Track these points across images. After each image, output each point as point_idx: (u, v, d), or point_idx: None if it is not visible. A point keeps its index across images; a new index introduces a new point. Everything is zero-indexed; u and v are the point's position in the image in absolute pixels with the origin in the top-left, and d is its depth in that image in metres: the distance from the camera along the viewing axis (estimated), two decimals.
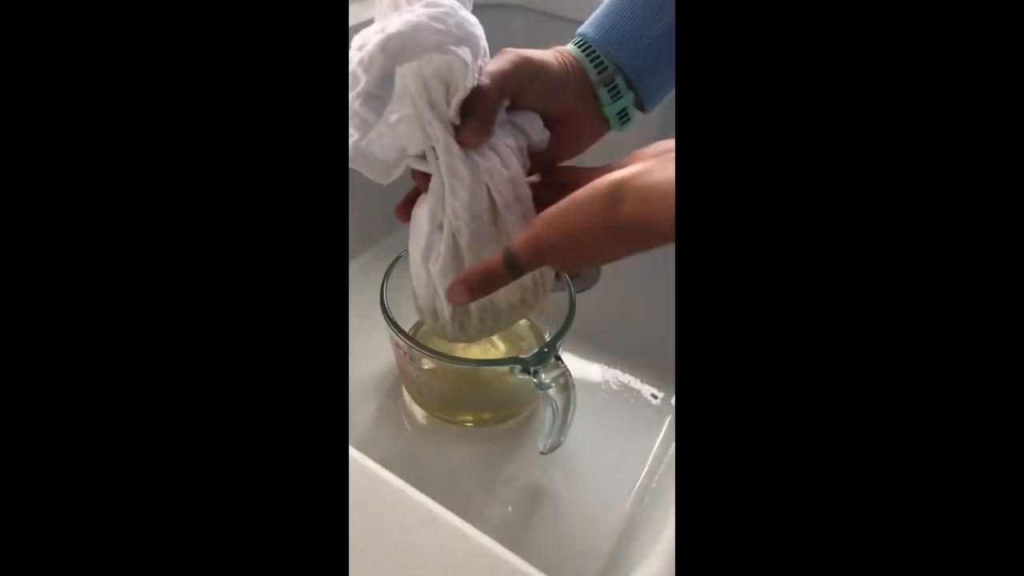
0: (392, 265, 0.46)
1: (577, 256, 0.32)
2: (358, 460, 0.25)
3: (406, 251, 0.47)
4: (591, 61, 0.39)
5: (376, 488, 0.24)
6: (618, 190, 0.28)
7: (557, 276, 0.43)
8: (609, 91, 0.40)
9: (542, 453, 0.44)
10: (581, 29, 0.41)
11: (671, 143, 0.31)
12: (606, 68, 0.39)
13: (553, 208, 0.31)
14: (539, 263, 0.34)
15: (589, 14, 0.62)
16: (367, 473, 0.24)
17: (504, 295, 0.39)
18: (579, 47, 0.40)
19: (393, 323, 0.42)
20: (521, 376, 0.41)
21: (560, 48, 0.40)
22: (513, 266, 0.34)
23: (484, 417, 0.49)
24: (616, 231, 0.29)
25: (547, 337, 0.50)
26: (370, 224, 0.64)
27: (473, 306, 0.38)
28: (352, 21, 0.54)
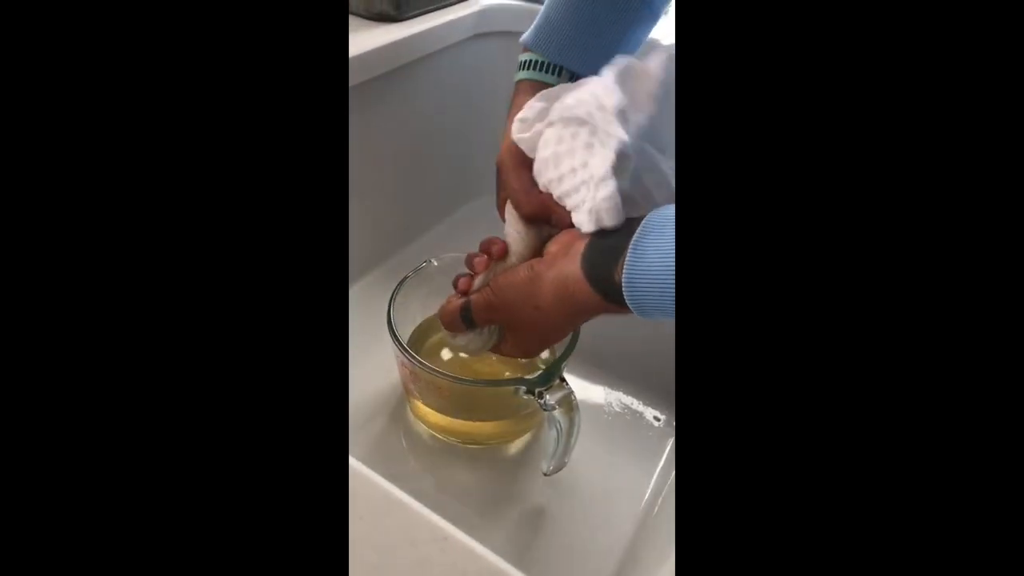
0: (399, 285, 0.47)
1: (522, 324, 0.39)
2: (371, 479, 0.25)
3: (411, 272, 0.48)
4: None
5: (389, 507, 0.24)
6: (537, 279, 0.36)
7: None
8: None
9: (546, 474, 0.44)
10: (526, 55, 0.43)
11: (569, 236, 0.37)
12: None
13: (503, 278, 0.38)
14: (487, 322, 0.40)
15: None
16: (381, 492, 0.24)
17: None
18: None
19: (399, 342, 0.43)
20: (526, 396, 0.41)
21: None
22: (467, 319, 0.40)
23: (488, 437, 0.49)
24: (541, 310, 0.36)
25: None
26: (376, 245, 0.64)
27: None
28: (384, 40, 0.55)
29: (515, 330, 0.39)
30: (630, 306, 0.31)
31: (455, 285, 0.42)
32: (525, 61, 0.42)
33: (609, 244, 0.33)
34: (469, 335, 0.41)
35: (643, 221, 0.31)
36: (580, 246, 0.34)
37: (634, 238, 0.30)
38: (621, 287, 0.30)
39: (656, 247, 0.30)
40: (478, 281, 0.40)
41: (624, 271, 0.30)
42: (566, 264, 0.35)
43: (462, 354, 0.43)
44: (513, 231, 0.40)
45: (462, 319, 0.40)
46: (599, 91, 0.34)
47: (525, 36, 0.43)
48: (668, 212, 0.31)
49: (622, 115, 0.33)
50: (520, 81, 0.43)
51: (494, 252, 0.40)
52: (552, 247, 0.37)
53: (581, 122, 0.35)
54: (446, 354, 0.50)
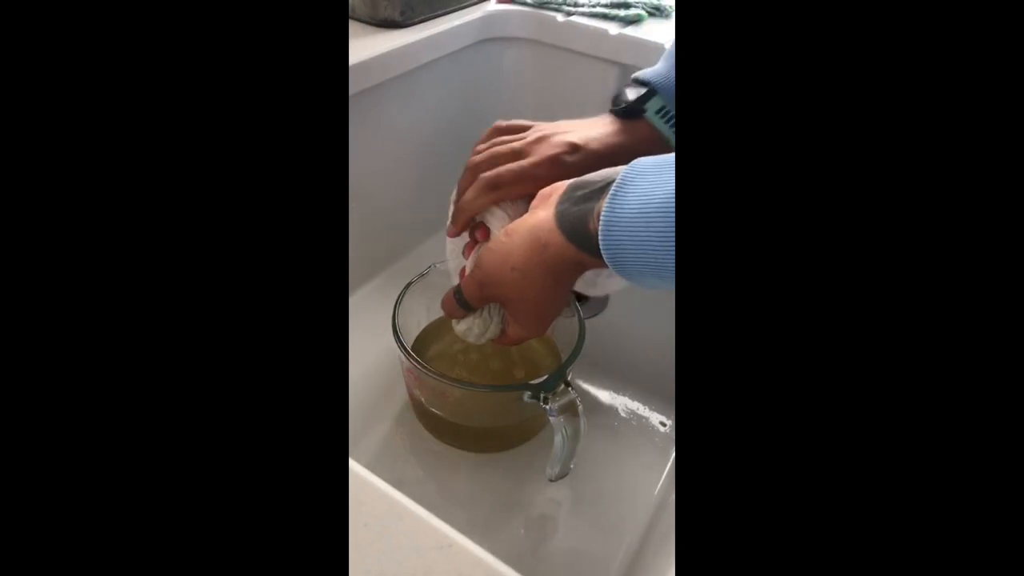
0: (404, 290, 0.47)
1: (509, 293, 0.37)
2: (375, 484, 0.25)
3: (416, 276, 0.48)
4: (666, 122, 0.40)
5: (393, 513, 0.24)
6: (510, 235, 0.34)
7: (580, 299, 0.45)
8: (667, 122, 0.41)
9: (551, 480, 0.44)
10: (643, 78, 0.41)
11: (554, 187, 0.35)
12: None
13: (484, 248, 0.37)
14: (480, 299, 0.39)
15: (593, 46, 0.64)
16: (385, 498, 0.24)
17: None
18: (658, 114, 0.40)
19: (404, 347, 0.43)
20: (531, 402, 0.41)
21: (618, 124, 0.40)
22: (461, 300, 0.39)
23: (493, 443, 0.49)
24: (518, 270, 0.34)
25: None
26: (382, 249, 0.64)
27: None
28: (390, 46, 0.55)
29: (507, 303, 0.38)
30: (605, 258, 0.29)
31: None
32: (663, 108, 0.40)
33: (586, 192, 0.30)
34: (470, 319, 0.40)
35: (627, 166, 0.29)
36: (556, 197, 0.33)
37: (615, 183, 0.28)
38: (597, 236, 0.28)
39: (639, 194, 0.27)
40: (468, 265, 0.40)
41: (601, 218, 0.28)
42: (539, 212, 0.33)
43: (470, 340, 0.42)
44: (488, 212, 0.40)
45: (456, 302, 0.40)
46: None
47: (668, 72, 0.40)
48: (655, 160, 0.29)
49: None
50: (640, 118, 0.40)
51: (478, 236, 0.40)
52: (533, 203, 0.36)
53: None
54: (451, 359, 0.50)
